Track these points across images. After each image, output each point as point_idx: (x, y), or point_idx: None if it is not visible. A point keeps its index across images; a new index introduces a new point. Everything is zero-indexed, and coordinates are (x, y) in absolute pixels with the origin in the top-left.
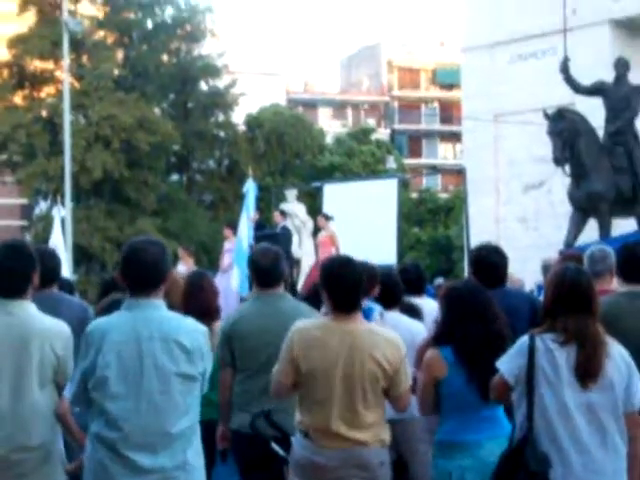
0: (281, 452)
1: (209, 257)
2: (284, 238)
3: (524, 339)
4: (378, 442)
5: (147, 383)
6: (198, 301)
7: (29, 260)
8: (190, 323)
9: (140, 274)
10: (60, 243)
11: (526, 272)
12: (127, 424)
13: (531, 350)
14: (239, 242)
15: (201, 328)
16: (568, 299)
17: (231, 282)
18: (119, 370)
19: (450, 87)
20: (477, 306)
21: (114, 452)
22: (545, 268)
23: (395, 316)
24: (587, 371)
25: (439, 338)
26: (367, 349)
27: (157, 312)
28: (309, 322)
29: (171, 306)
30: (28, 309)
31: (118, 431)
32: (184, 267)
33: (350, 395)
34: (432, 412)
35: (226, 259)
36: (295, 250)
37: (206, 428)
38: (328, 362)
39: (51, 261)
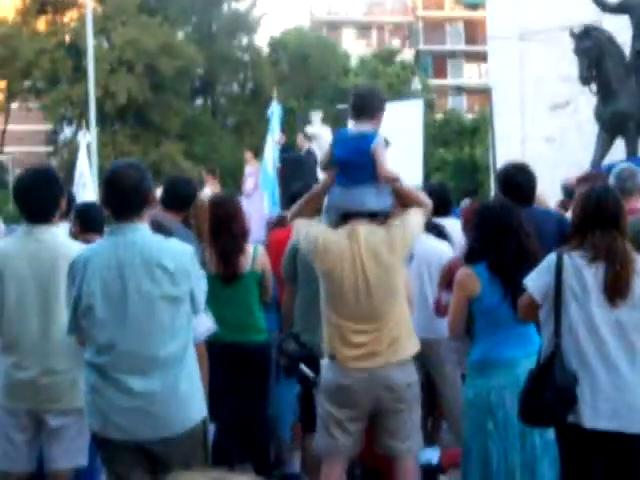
0: (310, 374)
1: (234, 180)
2: (309, 161)
3: (552, 257)
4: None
5: (131, 308)
6: (230, 225)
7: (56, 185)
8: (173, 244)
9: (120, 199)
10: (86, 168)
11: (551, 191)
12: (114, 349)
13: (559, 268)
14: (265, 165)
15: (186, 248)
16: (595, 216)
17: (257, 205)
18: (103, 297)
19: (475, 7)
20: (511, 223)
21: (105, 376)
22: (565, 188)
23: (422, 237)
24: (616, 289)
25: (471, 256)
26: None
27: (139, 235)
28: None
29: (198, 230)
30: (56, 234)
31: (106, 356)
32: (210, 190)
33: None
34: (462, 332)
35: (248, 183)
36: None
37: (247, 351)
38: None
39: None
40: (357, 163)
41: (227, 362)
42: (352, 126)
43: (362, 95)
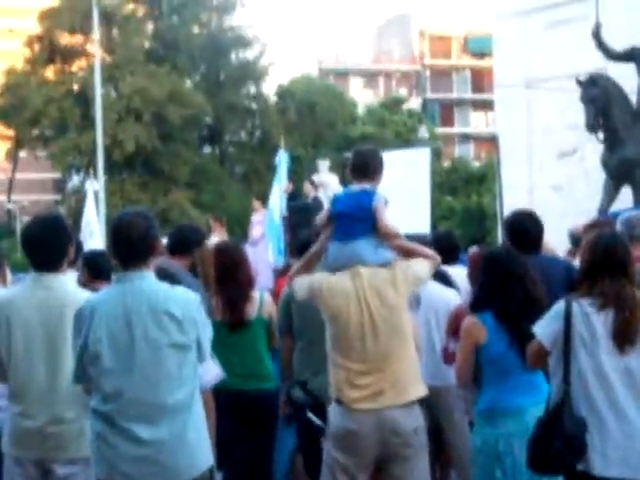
0: (317, 421)
1: (242, 228)
2: (316, 208)
3: (560, 304)
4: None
5: (139, 355)
6: (236, 273)
7: (64, 232)
8: (180, 292)
9: (127, 247)
10: (93, 216)
11: (560, 240)
12: (121, 397)
13: (567, 314)
14: (271, 213)
15: (192, 296)
16: (603, 263)
17: (263, 254)
18: (110, 344)
19: (482, 55)
20: (517, 270)
21: (112, 424)
22: (572, 236)
23: (429, 284)
24: (625, 335)
25: (477, 304)
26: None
27: (146, 283)
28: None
29: (205, 277)
30: (65, 282)
31: (113, 404)
32: (217, 238)
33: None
34: (470, 381)
35: (255, 231)
36: None
37: (255, 399)
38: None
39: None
40: (357, 216)
41: (234, 410)
42: (350, 186)
43: (363, 155)
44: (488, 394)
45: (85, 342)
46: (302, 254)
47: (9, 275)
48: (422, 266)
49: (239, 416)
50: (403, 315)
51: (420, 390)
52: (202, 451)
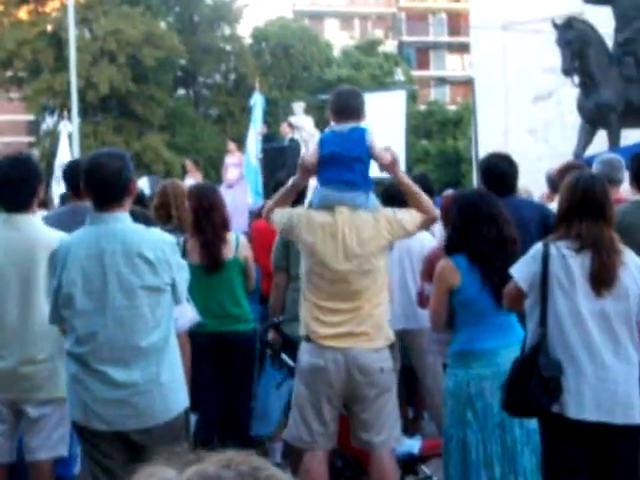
0: (290, 362)
1: (216, 170)
2: (292, 150)
3: (538, 246)
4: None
5: (112, 298)
6: (211, 215)
7: (34, 173)
8: (154, 234)
9: (101, 188)
10: (67, 158)
11: (535, 183)
12: (95, 339)
13: (545, 257)
14: (247, 155)
15: (167, 238)
16: (581, 205)
17: (239, 196)
18: (84, 286)
19: None
20: (489, 210)
21: (86, 366)
22: (549, 179)
23: None
24: (601, 278)
25: (451, 247)
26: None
27: (120, 225)
28: None
29: (180, 220)
30: (34, 223)
31: (86, 346)
32: (192, 180)
33: None
34: (444, 325)
35: (230, 173)
36: None
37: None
38: None
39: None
40: (353, 156)
41: (211, 352)
42: (335, 126)
43: (346, 95)
44: (461, 336)
45: (59, 283)
46: None
47: None
48: (411, 217)
49: (216, 358)
50: (379, 259)
51: (389, 335)
52: (177, 393)
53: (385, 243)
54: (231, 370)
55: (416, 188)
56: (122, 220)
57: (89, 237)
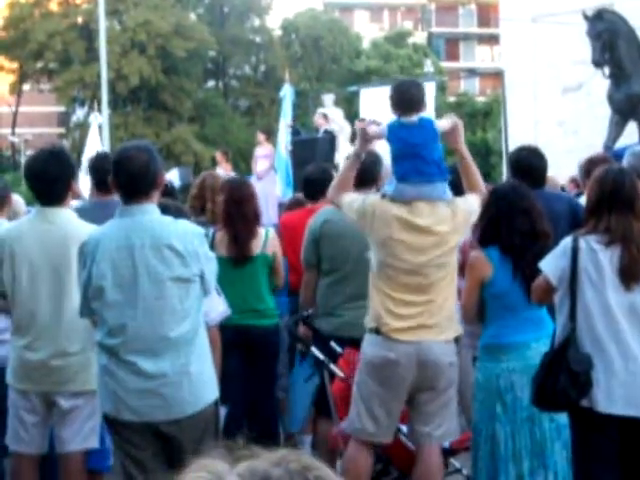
0: (321, 356)
1: (245, 163)
2: (324, 142)
3: (567, 240)
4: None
5: (142, 290)
6: (243, 208)
7: (68, 166)
8: (183, 225)
9: (129, 181)
10: (97, 150)
11: (564, 175)
12: (125, 331)
13: (574, 251)
14: (278, 147)
15: (195, 230)
16: (611, 199)
17: (269, 188)
18: (114, 278)
19: None
20: (523, 203)
21: (117, 358)
22: (581, 168)
23: None
24: (631, 272)
25: (483, 239)
26: None
27: (149, 217)
28: None
29: (213, 213)
30: (68, 217)
31: (117, 338)
32: (222, 171)
33: None
34: (476, 318)
35: (260, 165)
36: None
37: (254, 335)
38: None
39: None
40: (424, 146)
41: (236, 345)
42: (401, 119)
43: (408, 87)
44: (491, 329)
45: (89, 276)
46: (306, 189)
47: (24, 208)
48: (474, 200)
49: (242, 351)
50: (453, 252)
51: (458, 328)
52: (206, 385)
53: (460, 237)
54: (255, 363)
55: (474, 165)
56: (150, 212)
57: (118, 229)
